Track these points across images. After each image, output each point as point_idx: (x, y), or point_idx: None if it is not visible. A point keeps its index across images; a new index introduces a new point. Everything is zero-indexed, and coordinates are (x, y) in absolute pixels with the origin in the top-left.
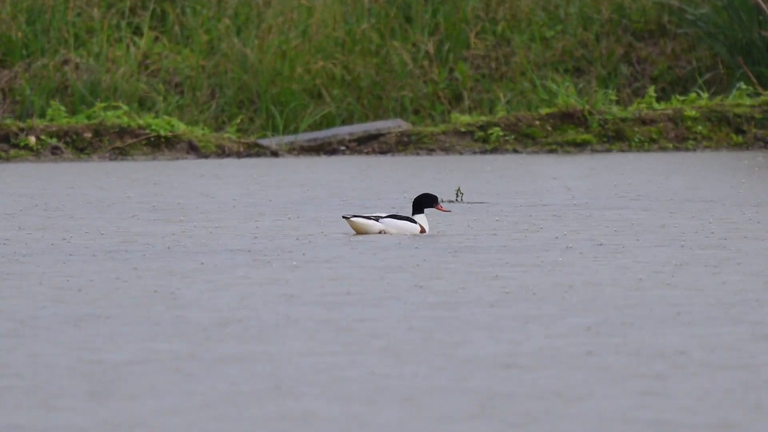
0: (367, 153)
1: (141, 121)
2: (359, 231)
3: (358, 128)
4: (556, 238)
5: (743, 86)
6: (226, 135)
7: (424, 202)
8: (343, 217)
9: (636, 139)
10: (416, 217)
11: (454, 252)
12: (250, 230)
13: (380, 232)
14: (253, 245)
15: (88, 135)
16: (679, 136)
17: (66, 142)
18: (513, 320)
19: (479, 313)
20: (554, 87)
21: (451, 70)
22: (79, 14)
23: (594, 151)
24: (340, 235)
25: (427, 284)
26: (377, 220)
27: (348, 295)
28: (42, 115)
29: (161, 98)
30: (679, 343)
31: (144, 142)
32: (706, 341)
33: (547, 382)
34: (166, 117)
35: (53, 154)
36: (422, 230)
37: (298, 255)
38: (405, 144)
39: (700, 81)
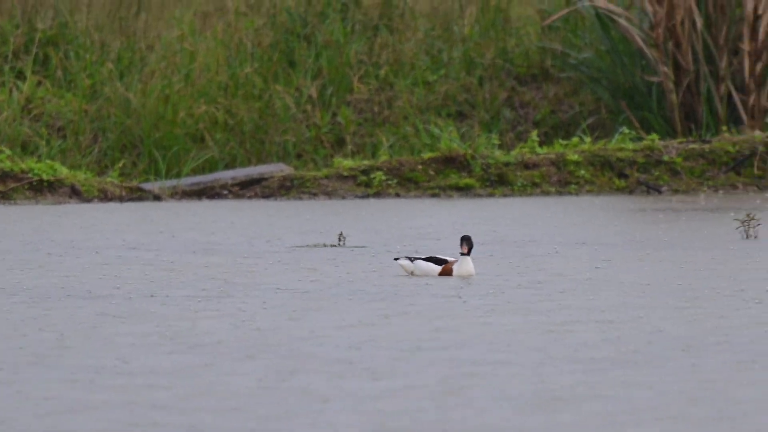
0: (250, 197)
1: (23, 165)
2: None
3: (241, 172)
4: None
5: (626, 131)
6: (108, 179)
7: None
8: (395, 259)
9: (519, 184)
10: (462, 258)
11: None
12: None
13: (411, 273)
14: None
15: None
16: (561, 180)
17: None
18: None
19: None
20: (437, 131)
21: (334, 115)
22: None
23: (476, 195)
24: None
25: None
26: (412, 261)
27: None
28: None
29: (44, 142)
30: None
31: (26, 186)
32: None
33: None
34: (48, 161)
35: None
36: (445, 271)
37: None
38: (288, 188)
39: (583, 125)
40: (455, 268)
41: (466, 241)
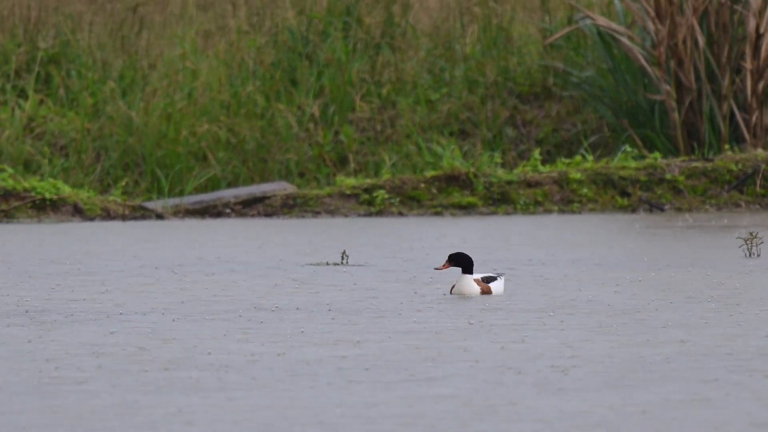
0: (253, 216)
1: (26, 184)
2: None
3: (243, 191)
4: (413, 296)
5: (628, 149)
6: (111, 198)
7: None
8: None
9: (521, 202)
10: (460, 277)
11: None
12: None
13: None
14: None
15: None
16: (564, 198)
17: None
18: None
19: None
20: (439, 150)
21: (337, 133)
22: None
23: (479, 213)
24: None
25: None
26: None
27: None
28: None
29: (46, 161)
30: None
31: (29, 205)
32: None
33: None
34: (51, 180)
35: None
36: (452, 289)
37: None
38: (290, 207)
39: (585, 144)
40: (455, 286)
41: (450, 260)
